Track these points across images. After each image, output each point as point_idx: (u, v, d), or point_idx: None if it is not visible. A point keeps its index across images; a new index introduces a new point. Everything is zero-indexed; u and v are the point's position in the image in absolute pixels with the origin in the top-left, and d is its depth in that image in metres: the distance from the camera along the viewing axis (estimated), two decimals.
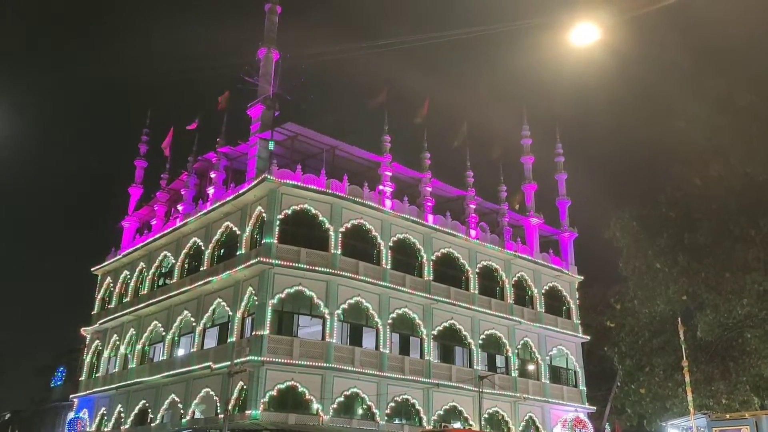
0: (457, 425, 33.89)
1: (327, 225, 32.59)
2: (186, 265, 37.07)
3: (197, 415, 32.41)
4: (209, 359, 31.45)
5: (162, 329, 36.73)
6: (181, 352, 35.26)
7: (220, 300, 33.01)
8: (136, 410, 36.61)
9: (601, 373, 44.06)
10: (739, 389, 20.88)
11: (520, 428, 37.00)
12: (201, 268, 35.13)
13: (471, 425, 34.09)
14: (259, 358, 28.92)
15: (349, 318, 32.41)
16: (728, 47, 18.67)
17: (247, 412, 28.67)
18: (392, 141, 36.54)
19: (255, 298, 30.75)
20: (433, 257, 36.47)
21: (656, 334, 22.51)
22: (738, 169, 18.89)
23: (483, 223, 40.36)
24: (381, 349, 32.68)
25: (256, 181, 32.26)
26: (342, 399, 30.68)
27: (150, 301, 37.67)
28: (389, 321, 33.45)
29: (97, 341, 43.29)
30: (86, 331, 44.50)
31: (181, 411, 33.09)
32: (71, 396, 45.02)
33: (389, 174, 35.98)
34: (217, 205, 34.55)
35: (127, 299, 41.19)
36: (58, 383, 58.99)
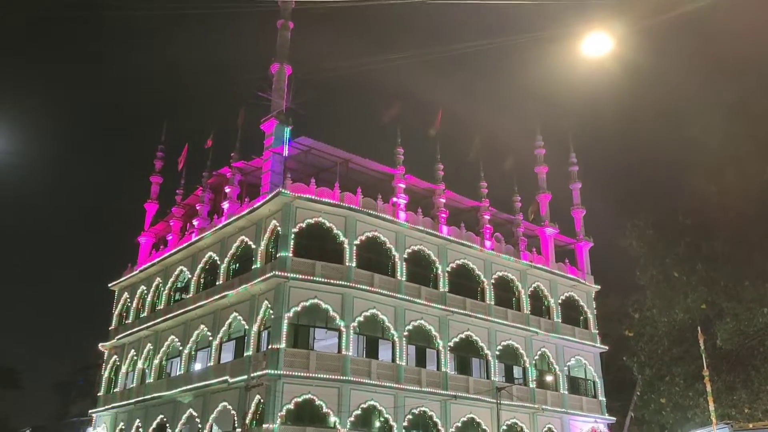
0: None
1: (341, 238, 32.67)
2: (202, 280, 37.27)
3: (215, 429, 32.45)
4: (226, 373, 31.53)
5: (179, 344, 36.89)
6: (198, 366, 35.38)
7: (236, 314, 33.13)
8: (154, 425, 36.71)
9: (621, 383, 43.62)
10: (761, 398, 20.59)
11: None
12: (217, 283, 35.30)
13: None
14: (276, 372, 28.95)
15: (365, 330, 32.39)
16: (741, 55, 18.60)
17: (264, 425, 28.68)
18: (405, 153, 36.69)
19: (271, 311, 30.83)
20: (448, 269, 36.41)
21: (676, 343, 22.26)
22: (754, 177, 18.74)
23: (498, 233, 40.26)
24: (397, 362, 32.60)
25: (270, 196, 32.45)
26: (359, 412, 30.60)
27: (167, 316, 37.87)
28: (405, 333, 33.38)
29: (115, 356, 43.54)
30: (104, 347, 44.79)
31: (199, 425, 33.15)
32: (90, 411, 45.24)
33: (403, 186, 36.07)
34: (232, 219, 34.78)
35: (144, 314, 41.44)
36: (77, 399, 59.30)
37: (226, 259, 35.19)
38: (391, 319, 32.99)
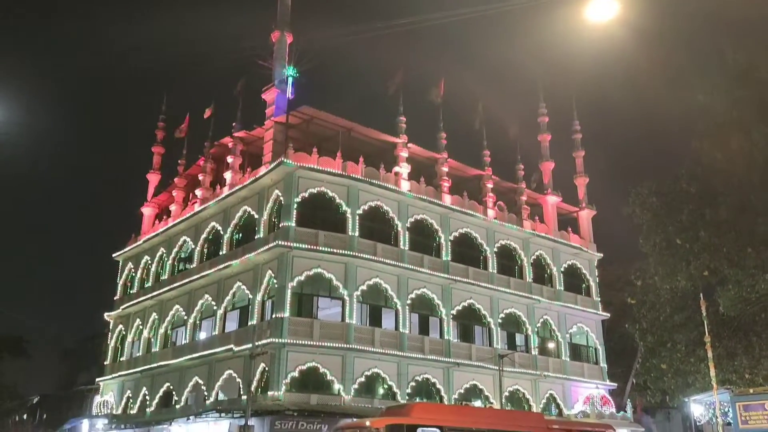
0: (478, 403, 34.10)
1: (344, 207, 32.65)
2: (205, 250, 37.40)
3: (221, 396, 32.86)
4: (231, 342, 31.82)
5: (184, 313, 37.18)
6: (203, 335, 35.70)
7: (240, 283, 33.30)
8: (160, 392, 37.20)
9: (622, 350, 43.96)
10: (762, 364, 20.72)
11: (541, 405, 37.11)
12: (220, 253, 35.42)
13: (492, 403, 34.27)
14: (281, 340, 29.20)
15: (368, 299, 32.56)
16: (749, 17, 18.27)
17: (269, 393, 29.04)
18: (408, 121, 36.46)
19: (274, 281, 30.98)
20: (451, 237, 36.44)
21: (678, 310, 22.34)
22: (760, 143, 18.56)
23: (500, 202, 40.21)
24: (401, 330, 32.84)
25: (272, 165, 32.38)
26: (363, 379, 30.93)
27: (171, 286, 38.10)
28: (408, 302, 33.56)
29: (121, 326, 43.93)
30: (110, 316, 45.17)
31: (205, 393, 33.57)
32: (97, 380, 45.82)
33: (405, 155, 35.91)
34: (234, 189, 34.76)
35: (149, 284, 41.70)
36: (84, 368, 59.97)
37: (229, 229, 35.26)
38: (394, 288, 33.14)
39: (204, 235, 37.24)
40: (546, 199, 43.04)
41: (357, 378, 30.65)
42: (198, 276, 35.75)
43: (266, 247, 31.29)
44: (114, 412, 41.28)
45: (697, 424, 30.26)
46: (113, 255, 46.16)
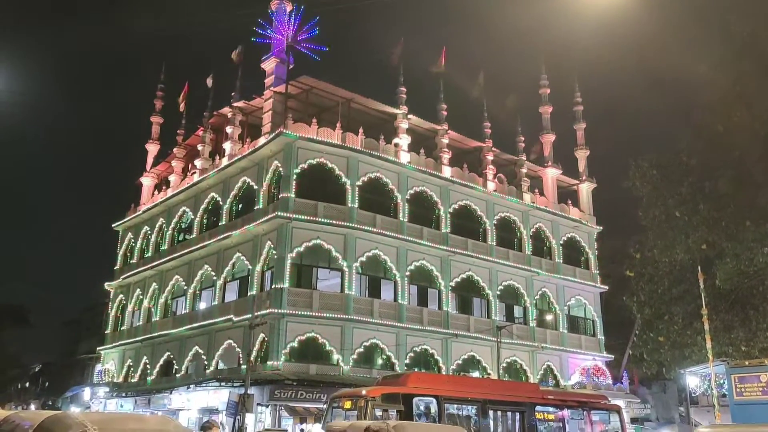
0: (476, 374, 34.42)
1: (344, 179, 32.58)
2: (205, 220, 37.43)
3: (220, 365, 33.16)
4: (230, 312, 32.01)
5: (183, 283, 37.33)
6: (202, 305, 35.90)
7: (240, 254, 33.38)
8: (161, 362, 37.54)
9: (620, 322, 44.18)
10: (758, 336, 20.80)
11: (538, 377, 37.46)
12: (220, 223, 35.45)
13: (489, 374, 34.60)
14: (280, 311, 29.37)
15: (368, 270, 32.67)
16: None
17: (269, 362, 29.30)
18: (408, 92, 36.19)
19: (274, 252, 31.04)
20: (451, 209, 36.42)
21: (676, 283, 22.36)
22: (762, 116, 18.44)
23: (500, 174, 40.10)
24: (399, 301, 33.00)
25: (271, 136, 32.22)
26: (362, 349, 31.18)
27: (171, 256, 38.22)
28: (407, 273, 33.67)
29: (121, 296, 44.17)
30: (110, 286, 45.38)
31: (205, 362, 33.87)
32: (98, 348, 46.23)
33: (405, 126, 35.71)
34: (233, 160, 34.65)
35: (149, 254, 41.81)
36: (85, 336, 60.48)
37: (229, 200, 35.23)
38: (393, 260, 33.22)
39: (203, 206, 37.23)
40: (546, 172, 42.94)
41: (356, 348, 30.89)
42: (197, 246, 35.82)
43: (266, 218, 31.29)
44: (115, 380, 41.74)
45: (693, 395, 30.57)
46: (113, 225, 46.22)
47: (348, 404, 15.83)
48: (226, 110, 36.99)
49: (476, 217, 37.72)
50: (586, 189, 44.41)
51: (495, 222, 38.31)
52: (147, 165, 45.14)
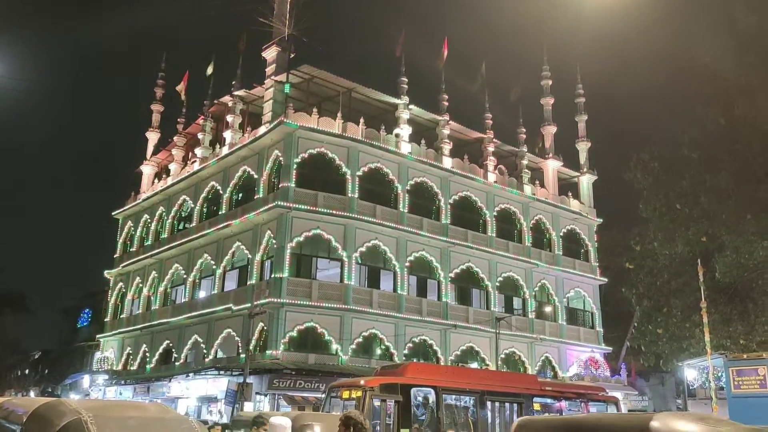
0: (474, 365, 34.48)
1: (344, 169, 32.50)
2: (205, 209, 37.39)
3: (219, 354, 33.22)
4: (230, 301, 32.03)
5: (183, 272, 37.34)
6: (202, 294, 35.92)
7: (239, 243, 33.36)
8: (160, 350, 37.61)
9: (618, 314, 44.25)
10: (757, 330, 20.83)
11: (537, 368, 37.53)
12: (220, 212, 35.41)
13: (488, 365, 34.65)
14: (279, 300, 29.38)
15: (367, 261, 32.65)
16: None
17: (268, 351, 29.34)
18: (409, 82, 36.03)
19: (273, 241, 31.02)
20: (451, 200, 36.36)
21: (675, 276, 22.37)
22: (765, 109, 18.37)
23: (501, 165, 40.01)
24: (399, 292, 33.01)
25: (272, 125, 32.12)
26: (360, 339, 31.22)
27: (170, 245, 38.20)
28: (407, 264, 33.65)
29: (121, 284, 44.19)
30: (110, 274, 45.40)
31: (204, 351, 33.92)
32: (97, 336, 46.31)
33: (406, 116, 35.59)
34: (234, 149, 34.57)
35: (149, 242, 41.81)
36: (85, 324, 60.69)
37: (229, 189, 35.18)
38: (392, 250, 33.20)
39: (203, 195, 37.19)
40: (547, 164, 42.84)
41: (355, 338, 30.92)
42: (197, 235, 35.80)
43: (266, 207, 31.25)
44: (114, 368, 41.83)
45: (690, 388, 30.60)
46: (113, 213, 46.19)
47: (346, 394, 15.84)
48: (227, 99, 36.87)
49: (476, 209, 37.66)
50: (586, 181, 44.33)
51: (495, 213, 38.26)
52: (147, 153, 45.07)
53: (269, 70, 34.51)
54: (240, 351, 30.61)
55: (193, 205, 37.98)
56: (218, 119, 38.90)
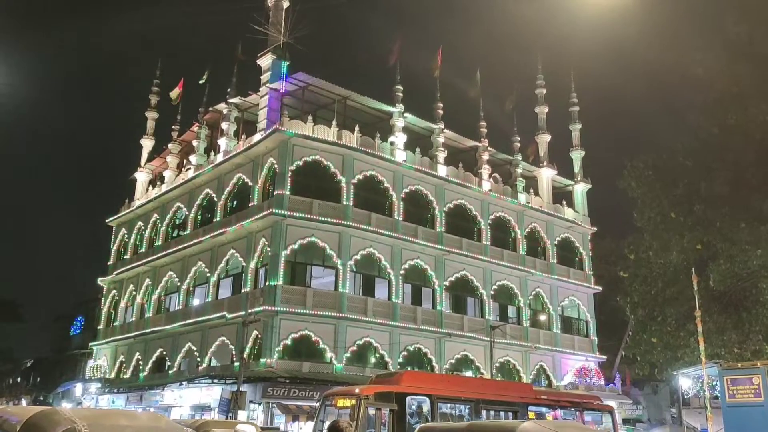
0: (469, 373, 34.41)
1: (339, 176, 32.50)
2: (199, 217, 37.30)
3: (213, 362, 33.06)
4: (224, 309, 31.91)
5: (177, 280, 37.20)
6: (196, 302, 35.78)
7: (234, 251, 33.27)
8: (153, 358, 37.40)
9: (613, 323, 44.30)
10: (751, 339, 20.82)
11: (531, 377, 37.49)
12: (214, 220, 35.33)
13: (482, 374, 34.60)
14: (273, 308, 29.28)
15: (362, 269, 32.62)
16: None
17: (262, 359, 29.21)
18: (404, 90, 36.13)
19: (268, 249, 30.95)
20: (446, 208, 36.40)
21: (669, 284, 22.35)
22: (757, 118, 18.45)
23: (496, 174, 40.11)
24: (393, 300, 32.96)
25: (267, 133, 32.13)
26: (355, 348, 31.13)
27: (164, 252, 38.07)
28: (401, 272, 33.63)
29: (114, 291, 43.98)
30: (103, 282, 45.19)
31: (198, 359, 33.75)
32: (90, 344, 46.02)
33: (401, 125, 35.65)
34: (228, 156, 34.54)
35: (142, 250, 41.65)
36: (77, 332, 60.35)
37: (223, 196, 35.13)
38: (387, 258, 33.18)
39: (198, 202, 37.12)
40: (541, 172, 42.96)
41: (349, 347, 30.84)
42: (192, 243, 35.70)
43: (260, 215, 31.20)
44: (107, 376, 41.57)
45: (685, 397, 30.65)
46: (106, 220, 46.03)
47: (341, 402, 15.77)
48: (222, 106, 36.86)
49: (471, 217, 37.70)
50: (580, 190, 44.48)
51: (490, 222, 38.32)
52: (141, 160, 44.97)
53: (264, 77, 34.53)
54: (234, 359, 30.47)
55: (187, 213, 37.89)
56: (213, 126, 38.89)
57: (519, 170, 40.94)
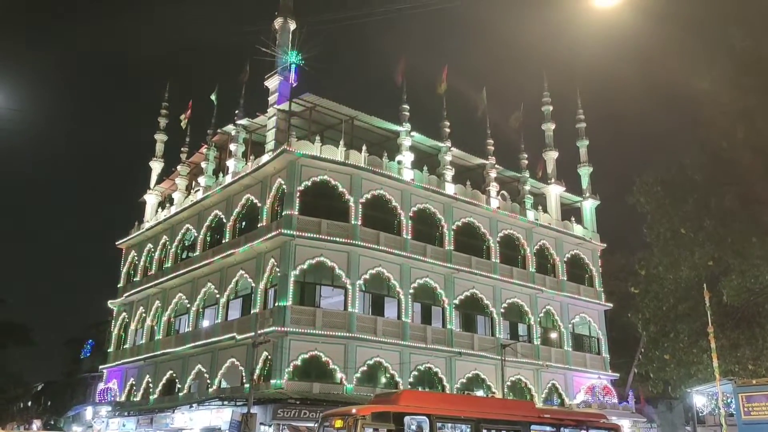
0: (480, 393, 34.11)
1: (347, 196, 32.56)
2: (208, 238, 37.40)
3: (223, 384, 32.94)
4: (233, 330, 31.86)
5: (186, 301, 37.22)
6: (205, 323, 35.75)
7: (243, 272, 33.29)
8: (164, 380, 37.32)
9: (624, 340, 43.92)
10: (765, 355, 20.61)
11: (543, 395, 37.12)
12: (223, 241, 35.41)
13: (494, 393, 34.29)
14: (283, 329, 29.20)
15: (371, 288, 32.53)
16: (760, 5, 18.09)
17: (272, 381, 29.08)
18: (411, 108, 36.26)
19: (277, 269, 30.96)
20: (454, 227, 36.34)
21: (681, 300, 22.19)
22: (765, 132, 18.41)
23: (504, 191, 40.08)
24: (403, 319, 32.82)
25: (275, 153, 32.29)
26: (365, 368, 30.94)
27: (174, 274, 38.13)
28: (411, 291, 33.51)
29: (124, 314, 44.03)
30: (113, 304, 45.27)
31: (208, 381, 33.65)
32: (100, 367, 46.00)
33: (408, 143, 35.76)
34: (237, 177, 34.70)
35: (152, 272, 41.74)
36: (87, 355, 60.36)
37: (232, 218, 35.24)
38: (396, 277, 33.10)
39: (207, 223, 37.24)
40: (549, 189, 42.88)
41: (359, 367, 30.67)
42: (201, 264, 35.76)
43: (269, 235, 31.25)
44: (117, 399, 41.48)
45: (700, 414, 30.21)
46: (116, 243, 46.22)
47: (338, 423, 15.57)
48: (230, 128, 37.11)
49: (480, 235, 37.62)
50: (589, 206, 44.34)
51: (498, 239, 38.21)
52: (151, 182, 45.25)
53: (272, 98, 34.79)
54: (244, 381, 30.35)
55: (196, 234, 38.01)
56: (221, 148, 39.13)
57: (527, 187, 40.88)
